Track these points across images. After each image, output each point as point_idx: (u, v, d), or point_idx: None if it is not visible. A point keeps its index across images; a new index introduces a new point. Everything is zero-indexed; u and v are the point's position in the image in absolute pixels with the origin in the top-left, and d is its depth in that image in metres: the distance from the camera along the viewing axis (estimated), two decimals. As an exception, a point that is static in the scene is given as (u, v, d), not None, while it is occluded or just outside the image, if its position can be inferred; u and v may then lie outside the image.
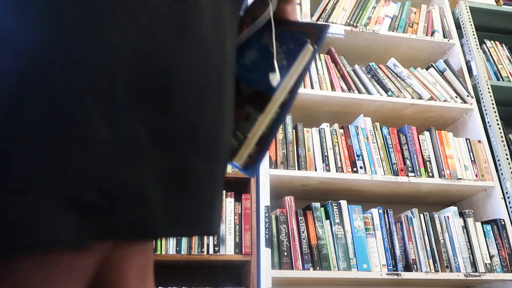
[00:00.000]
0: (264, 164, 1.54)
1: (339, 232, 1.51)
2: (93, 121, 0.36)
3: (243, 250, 1.50)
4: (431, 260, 1.54)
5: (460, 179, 1.70)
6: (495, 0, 2.40)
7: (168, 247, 1.47)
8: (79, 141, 0.35)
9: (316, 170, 1.61)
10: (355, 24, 1.95)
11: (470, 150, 1.78)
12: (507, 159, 1.79)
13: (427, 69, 1.96)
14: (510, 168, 1.77)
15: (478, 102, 1.95)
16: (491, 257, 1.60)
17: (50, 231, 0.33)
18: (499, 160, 1.80)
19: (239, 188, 1.66)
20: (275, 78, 0.55)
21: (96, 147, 0.36)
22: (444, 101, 1.87)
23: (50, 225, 0.33)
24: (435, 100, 1.86)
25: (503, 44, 2.27)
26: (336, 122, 1.76)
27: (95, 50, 0.36)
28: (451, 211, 1.63)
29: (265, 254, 1.41)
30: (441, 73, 1.95)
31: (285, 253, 1.45)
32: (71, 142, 0.34)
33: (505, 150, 1.81)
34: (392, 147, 1.71)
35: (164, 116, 0.41)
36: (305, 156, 1.62)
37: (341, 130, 1.71)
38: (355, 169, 1.63)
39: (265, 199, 1.49)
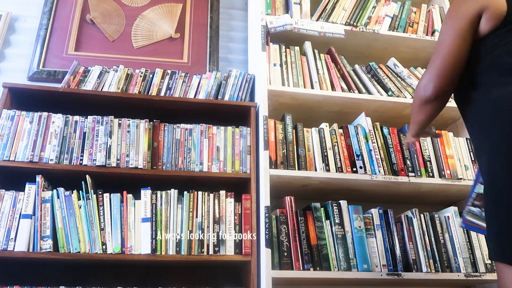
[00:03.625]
0: (264, 164, 1.54)
1: (339, 232, 1.51)
2: None
3: (243, 251, 1.49)
4: (431, 260, 1.53)
5: (461, 179, 1.70)
6: None
7: (168, 247, 1.47)
8: None
9: (316, 170, 1.61)
10: (355, 23, 1.95)
11: (470, 150, 1.78)
12: (508, 159, 1.78)
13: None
14: (511, 168, 1.76)
15: (479, 101, 1.94)
16: (491, 257, 1.59)
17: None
18: (499, 160, 1.79)
19: (239, 188, 1.66)
20: None
21: None
22: (444, 100, 1.86)
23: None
24: (436, 99, 1.86)
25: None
26: (336, 122, 1.76)
27: None
28: (452, 211, 1.63)
29: (265, 254, 1.41)
30: (442, 72, 1.94)
31: (285, 254, 1.45)
32: None
33: (506, 149, 1.80)
34: (392, 147, 1.70)
35: None
36: (305, 156, 1.62)
37: (340, 130, 1.71)
38: (354, 169, 1.63)
39: (265, 199, 1.49)
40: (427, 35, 2.04)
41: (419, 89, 1.15)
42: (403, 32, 2.01)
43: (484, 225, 1.11)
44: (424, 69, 1.95)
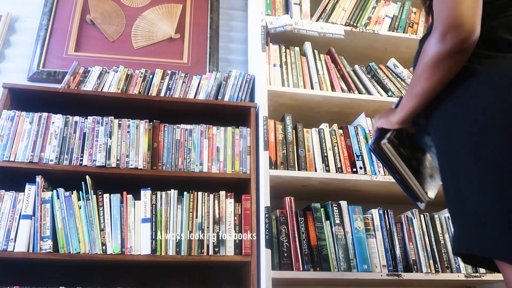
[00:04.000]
0: (264, 165, 1.54)
1: (339, 233, 1.51)
2: None
3: (243, 251, 1.49)
4: (431, 261, 1.53)
5: (461, 179, 1.70)
6: (496, 0, 2.39)
7: (168, 248, 1.47)
8: None
9: (316, 171, 1.61)
10: (355, 24, 1.95)
11: (470, 150, 1.77)
12: (508, 159, 1.78)
13: (427, 69, 1.95)
14: (511, 168, 1.76)
15: (479, 102, 1.94)
16: (491, 257, 1.59)
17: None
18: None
19: (239, 188, 1.66)
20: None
21: None
22: (444, 101, 1.86)
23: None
24: (435, 100, 1.86)
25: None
26: (336, 123, 1.76)
27: None
28: (452, 212, 1.63)
29: (265, 255, 1.41)
30: (441, 73, 1.94)
31: (285, 254, 1.44)
32: None
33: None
34: (392, 148, 1.70)
35: None
36: (305, 156, 1.62)
37: (340, 131, 1.71)
38: (354, 169, 1.63)
39: (265, 200, 1.49)
40: (427, 35, 2.04)
41: (432, 46, 0.85)
42: (403, 32, 2.01)
43: (395, 161, 1.02)
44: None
